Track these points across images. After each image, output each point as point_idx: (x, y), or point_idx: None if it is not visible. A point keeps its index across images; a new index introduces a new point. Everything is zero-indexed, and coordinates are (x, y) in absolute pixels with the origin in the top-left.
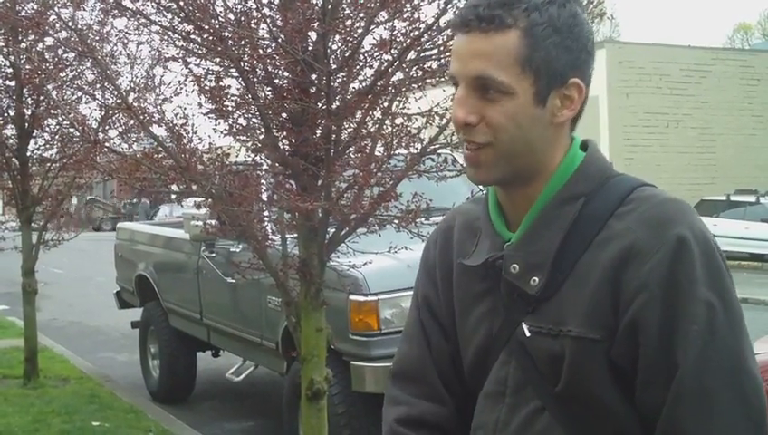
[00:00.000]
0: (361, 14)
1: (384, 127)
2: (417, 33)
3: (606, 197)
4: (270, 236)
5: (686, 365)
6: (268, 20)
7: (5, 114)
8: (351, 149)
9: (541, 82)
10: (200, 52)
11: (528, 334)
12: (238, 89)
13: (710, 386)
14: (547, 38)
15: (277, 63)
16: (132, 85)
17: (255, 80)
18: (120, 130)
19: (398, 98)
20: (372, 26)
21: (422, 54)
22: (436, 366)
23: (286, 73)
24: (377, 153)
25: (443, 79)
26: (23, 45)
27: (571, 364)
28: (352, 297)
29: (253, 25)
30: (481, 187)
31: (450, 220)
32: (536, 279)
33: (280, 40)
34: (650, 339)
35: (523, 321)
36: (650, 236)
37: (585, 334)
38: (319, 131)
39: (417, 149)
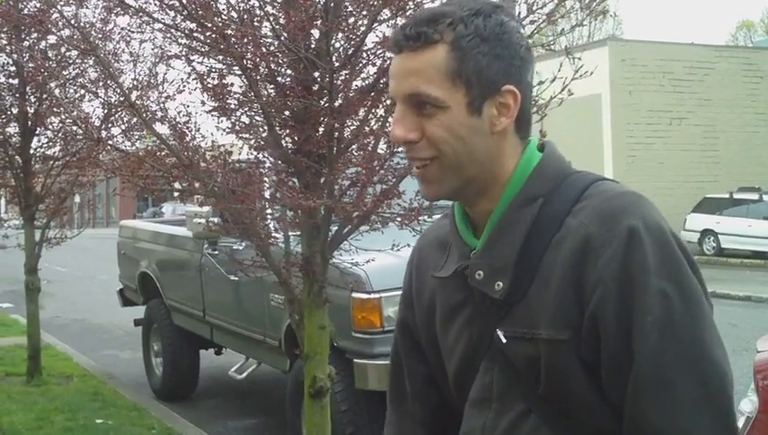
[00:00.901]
0: (364, 12)
1: (387, 124)
2: None
3: (563, 195)
4: (273, 234)
5: (643, 356)
6: (271, 18)
7: (8, 112)
8: (354, 146)
9: (473, 92)
10: (203, 49)
11: (504, 340)
12: (241, 87)
13: (670, 376)
14: (475, 48)
15: (280, 61)
16: (135, 83)
17: (258, 78)
18: (123, 127)
19: None
20: (375, 24)
21: None
22: (411, 405)
23: (289, 71)
24: (379, 151)
25: None
26: (26, 43)
27: (547, 366)
28: (355, 295)
29: (255, 23)
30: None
31: (424, 237)
32: (500, 283)
33: (283, 38)
34: (609, 333)
35: (498, 327)
36: (603, 231)
37: (554, 336)
38: (321, 129)
39: None
